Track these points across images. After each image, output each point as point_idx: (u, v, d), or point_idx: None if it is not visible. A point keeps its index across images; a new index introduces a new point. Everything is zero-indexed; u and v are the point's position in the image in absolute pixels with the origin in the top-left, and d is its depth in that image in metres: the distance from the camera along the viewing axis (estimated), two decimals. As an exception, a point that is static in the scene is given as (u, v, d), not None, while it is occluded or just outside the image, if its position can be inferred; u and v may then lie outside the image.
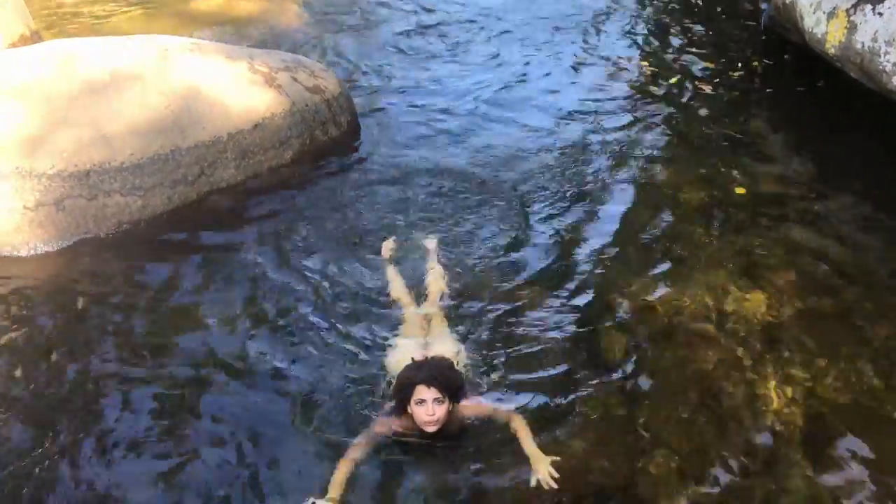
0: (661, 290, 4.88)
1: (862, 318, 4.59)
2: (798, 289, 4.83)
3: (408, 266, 5.19)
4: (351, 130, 6.82)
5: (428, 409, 3.74)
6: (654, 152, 6.66)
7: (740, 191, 5.91)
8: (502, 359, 4.45)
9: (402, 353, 4.18)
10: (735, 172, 6.15)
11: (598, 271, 5.15)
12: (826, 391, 4.12)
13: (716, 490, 3.67)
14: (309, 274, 5.10)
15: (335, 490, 3.62)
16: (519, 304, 4.85)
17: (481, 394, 4.14)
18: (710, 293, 4.81)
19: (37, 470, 3.75)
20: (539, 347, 4.53)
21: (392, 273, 5.07)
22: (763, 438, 3.90)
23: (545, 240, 5.49)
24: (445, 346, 4.31)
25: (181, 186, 5.63)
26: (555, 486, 3.61)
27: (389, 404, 4.01)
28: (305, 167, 6.25)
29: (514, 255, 5.32)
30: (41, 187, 5.14)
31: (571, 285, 5.03)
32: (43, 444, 3.87)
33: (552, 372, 4.37)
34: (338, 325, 4.68)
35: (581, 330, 4.66)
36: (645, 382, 4.27)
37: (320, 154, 6.42)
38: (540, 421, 4.04)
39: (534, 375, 4.32)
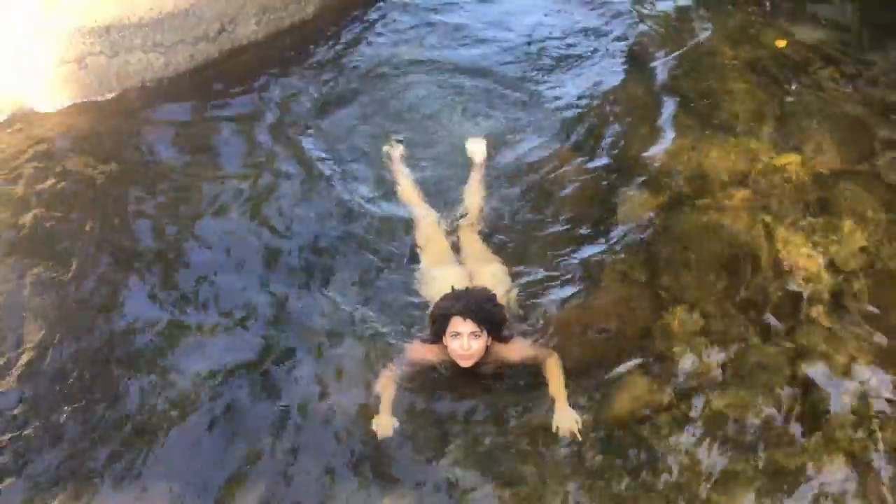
0: (693, 151, 4.78)
1: (896, 181, 4.49)
2: (834, 151, 4.72)
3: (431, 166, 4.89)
4: (374, -17, 6.58)
5: (463, 342, 3.47)
6: (691, 7, 6.35)
7: (781, 44, 5.64)
8: (527, 220, 4.47)
9: (443, 282, 3.77)
10: (777, 24, 5.86)
11: (628, 132, 5.06)
12: (853, 254, 4.09)
13: (736, 347, 3.73)
14: (328, 156, 4.94)
15: (387, 408, 3.43)
16: (546, 167, 4.83)
17: (524, 333, 3.82)
18: (743, 154, 4.72)
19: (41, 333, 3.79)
20: (563, 208, 4.54)
21: (403, 177, 4.73)
22: (788, 300, 3.91)
23: (574, 101, 5.38)
24: (487, 273, 4.00)
25: (202, 43, 5.52)
26: (578, 438, 3.36)
27: (425, 334, 3.74)
28: (327, 23, 6.07)
29: (539, 120, 5.24)
30: (62, 44, 5.08)
31: (599, 147, 4.97)
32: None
33: (576, 232, 4.39)
34: (359, 228, 4.48)
35: (608, 191, 4.64)
36: (670, 243, 4.26)
37: (342, 9, 6.22)
38: (561, 279, 4.10)
39: (555, 232, 4.35)
